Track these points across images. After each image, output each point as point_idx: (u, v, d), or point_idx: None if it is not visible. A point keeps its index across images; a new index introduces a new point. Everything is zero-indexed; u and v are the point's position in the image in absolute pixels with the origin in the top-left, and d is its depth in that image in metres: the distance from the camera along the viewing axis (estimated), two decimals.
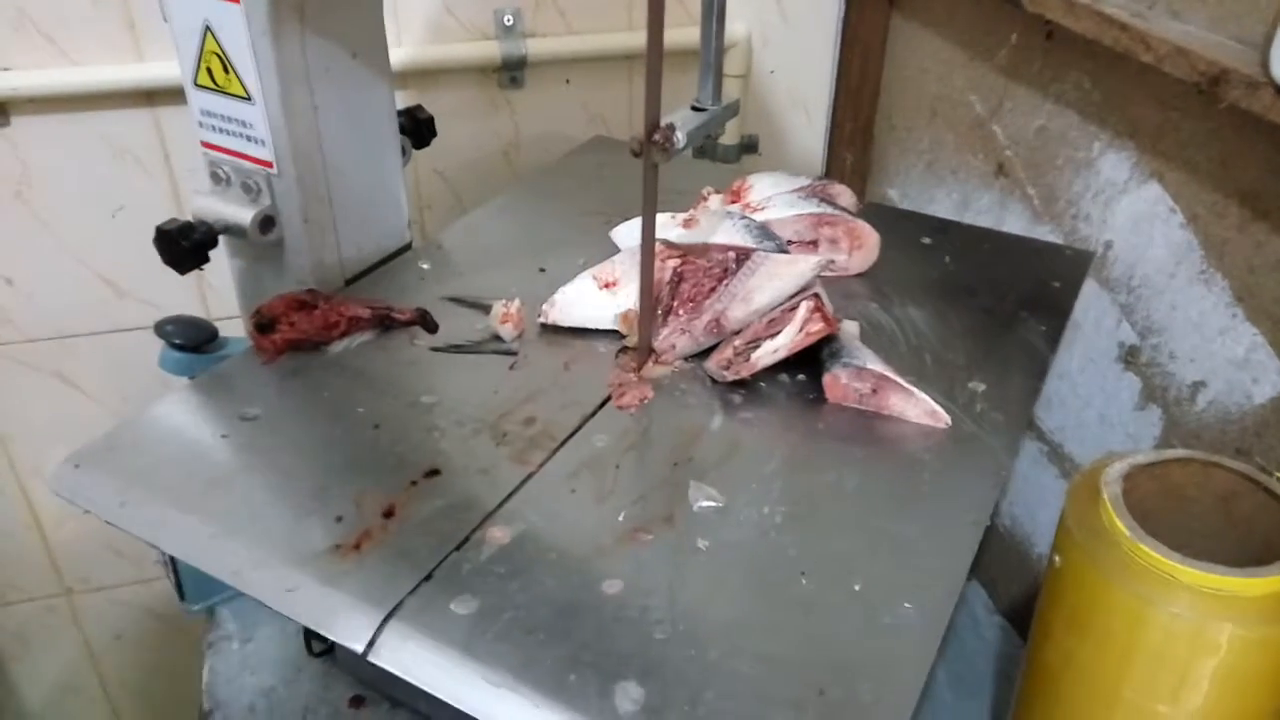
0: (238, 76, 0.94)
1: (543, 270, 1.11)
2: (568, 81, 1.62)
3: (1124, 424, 1.32)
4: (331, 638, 0.70)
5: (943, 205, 1.61)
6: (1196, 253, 1.15)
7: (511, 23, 1.54)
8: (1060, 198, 1.36)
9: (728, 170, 1.64)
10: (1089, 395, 1.36)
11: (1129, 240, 1.25)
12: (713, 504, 0.80)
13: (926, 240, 1.21)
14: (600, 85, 1.63)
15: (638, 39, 1.58)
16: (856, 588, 0.74)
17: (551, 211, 1.26)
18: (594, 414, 0.90)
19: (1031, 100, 1.38)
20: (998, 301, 1.09)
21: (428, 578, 0.73)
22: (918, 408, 0.90)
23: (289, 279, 1.04)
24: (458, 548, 0.76)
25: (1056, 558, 0.88)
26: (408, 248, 1.15)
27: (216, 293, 1.63)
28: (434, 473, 0.83)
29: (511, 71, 1.58)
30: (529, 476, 0.83)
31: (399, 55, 1.48)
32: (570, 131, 1.64)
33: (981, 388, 0.95)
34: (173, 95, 1.46)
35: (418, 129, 1.18)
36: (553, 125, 1.64)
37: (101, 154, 1.48)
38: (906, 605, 0.72)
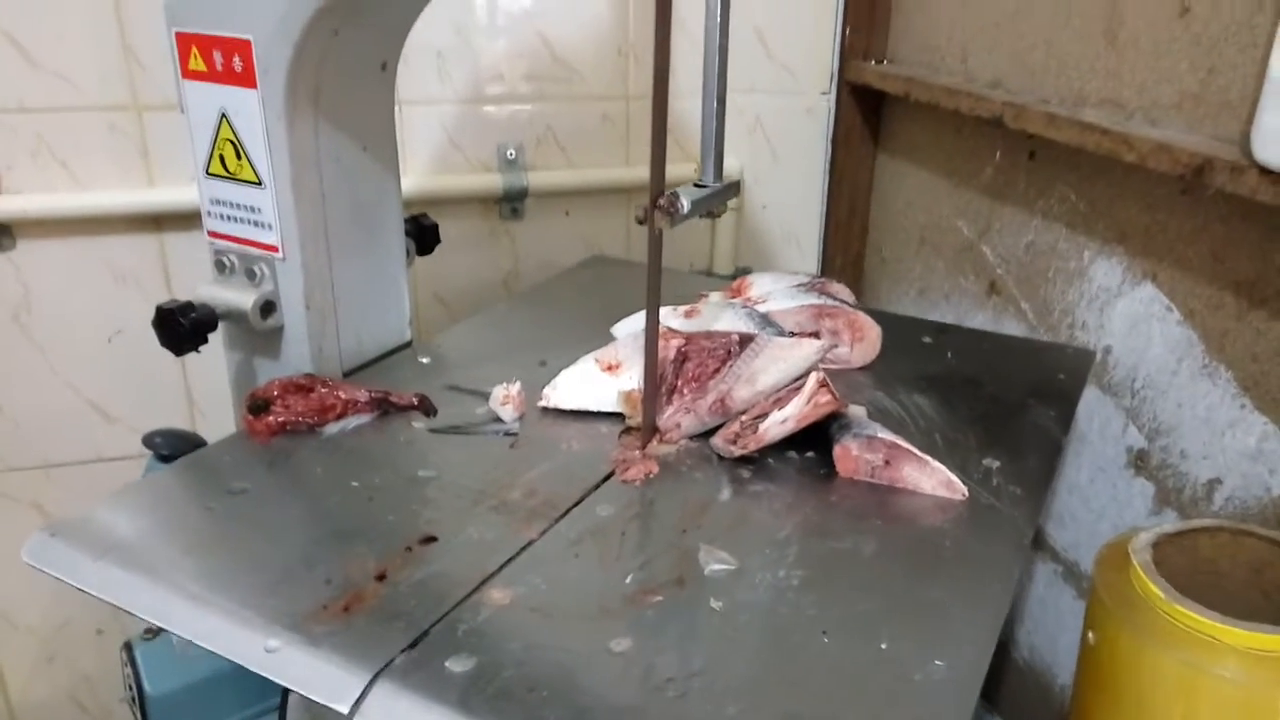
0: (249, 162, 0.96)
1: (543, 364, 1.10)
2: (567, 213, 1.67)
3: None
4: (314, 698, 0.64)
5: None
6: (1197, 347, 1.15)
7: (514, 156, 1.60)
8: (1055, 308, 1.37)
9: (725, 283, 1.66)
10: (1101, 507, 1.32)
11: (1128, 343, 1.25)
12: (725, 567, 0.76)
13: (927, 339, 1.21)
14: (598, 217, 1.67)
15: (635, 173, 1.64)
16: (883, 646, 0.68)
17: (551, 317, 1.26)
18: (597, 487, 0.87)
19: (1019, 218, 1.42)
20: (1004, 390, 1.08)
21: (423, 636, 0.68)
22: (933, 478, 0.87)
23: (287, 369, 1.02)
24: (454, 608, 0.71)
25: (1090, 634, 0.83)
26: (408, 345, 1.15)
27: (207, 419, 1.60)
28: (430, 539, 0.78)
29: (513, 203, 1.62)
30: (530, 543, 0.79)
31: (405, 184, 1.52)
32: (568, 261, 1.66)
33: (996, 464, 0.92)
34: (181, 220, 1.49)
35: (422, 234, 1.20)
36: (551, 255, 1.67)
37: (103, 278, 1.50)
38: (938, 662, 0.67)
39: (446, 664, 0.65)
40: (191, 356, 1.30)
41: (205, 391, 1.59)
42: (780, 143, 1.76)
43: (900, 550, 0.80)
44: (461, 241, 1.62)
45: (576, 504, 0.84)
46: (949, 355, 1.16)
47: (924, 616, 0.72)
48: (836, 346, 1.08)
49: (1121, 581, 0.81)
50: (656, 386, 0.95)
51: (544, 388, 1.00)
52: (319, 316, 1.02)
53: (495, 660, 0.66)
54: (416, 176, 1.56)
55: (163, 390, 1.56)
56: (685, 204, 0.85)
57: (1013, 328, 1.45)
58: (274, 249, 0.98)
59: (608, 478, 0.89)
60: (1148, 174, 1.18)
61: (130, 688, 1.22)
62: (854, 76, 1.70)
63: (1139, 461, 1.26)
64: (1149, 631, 0.76)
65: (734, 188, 0.95)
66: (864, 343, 1.11)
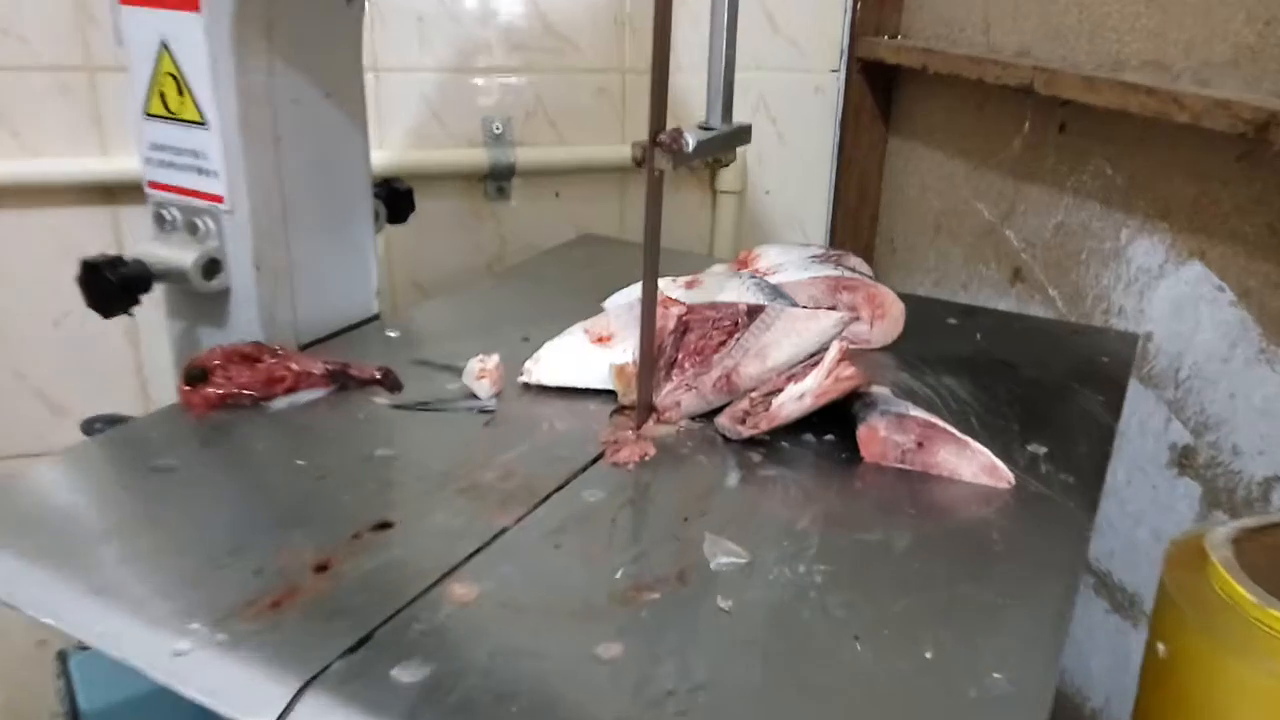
0: (193, 99, 0.84)
1: (526, 339, 0.97)
2: (557, 194, 1.55)
3: None
4: (225, 713, 0.51)
5: None
6: (1254, 330, 1.03)
7: (500, 131, 1.48)
8: (1087, 294, 1.26)
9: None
10: (1139, 511, 1.20)
11: (1172, 328, 1.14)
12: (735, 560, 0.64)
13: (952, 321, 1.09)
14: (591, 198, 1.56)
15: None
16: (927, 655, 0.56)
17: (537, 293, 1.14)
18: (584, 470, 0.75)
19: (1047, 197, 1.31)
20: (1042, 373, 0.96)
21: (367, 638, 0.55)
22: (974, 463, 0.75)
23: (235, 338, 0.90)
24: (408, 605, 0.58)
25: (1160, 645, 0.71)
26: (375, 319, 1.03)
27: None
28: (384, 525, 0.66)
29: (498, 181, 1.51)
30: (503, 531, 0.66)
31: (381, 158, 1.41)
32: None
33: (1043, 450, 0.80)
34: (137, 192, 1.35)
35: (395, 200, 1.08)
36: (540, 238, 1.55)
37: (51, 254, 1.37)
38: (996, 675, 0.55)
39: (393, 672, 0.53)
40: (147, 340, 1.17)
41: (162, 380, 1.46)
42: (786, 123, 1.64)
43: (940, 544, 0.68)
44: (442, 222, 1.50)
45: (559, 488, 0.72)
46: (978, 337, 1.04)
47: (974, 620, 0.60)
48: (857, 320, 0.96)
49: (1197, 583, 0.69)
50: (654, 359, 0.83)
51: (525, 361, 0.88)
52: (271, 279, 0.90)
53: (454, 668, 0.53)
54: (394, 150, 1.44)
55: (115, 378, 1.44)
56: (690, 141, 0.73)
57: (1039, 315, 1.33)
58: (219, 199, 0.86)
59: (596, 460, 0.76)
60: (1198, 139, 1.07)
61: (64, 702, 1.09)
62: (865, 53, 1.59)
63: (1184, 459, 1.14)
64: (1233, 641, 0.64)
65: (745, 132, 0.84)
66: (886, 320, 0.99)
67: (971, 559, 0.66)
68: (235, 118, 0.84)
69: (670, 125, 0.75)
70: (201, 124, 0.84)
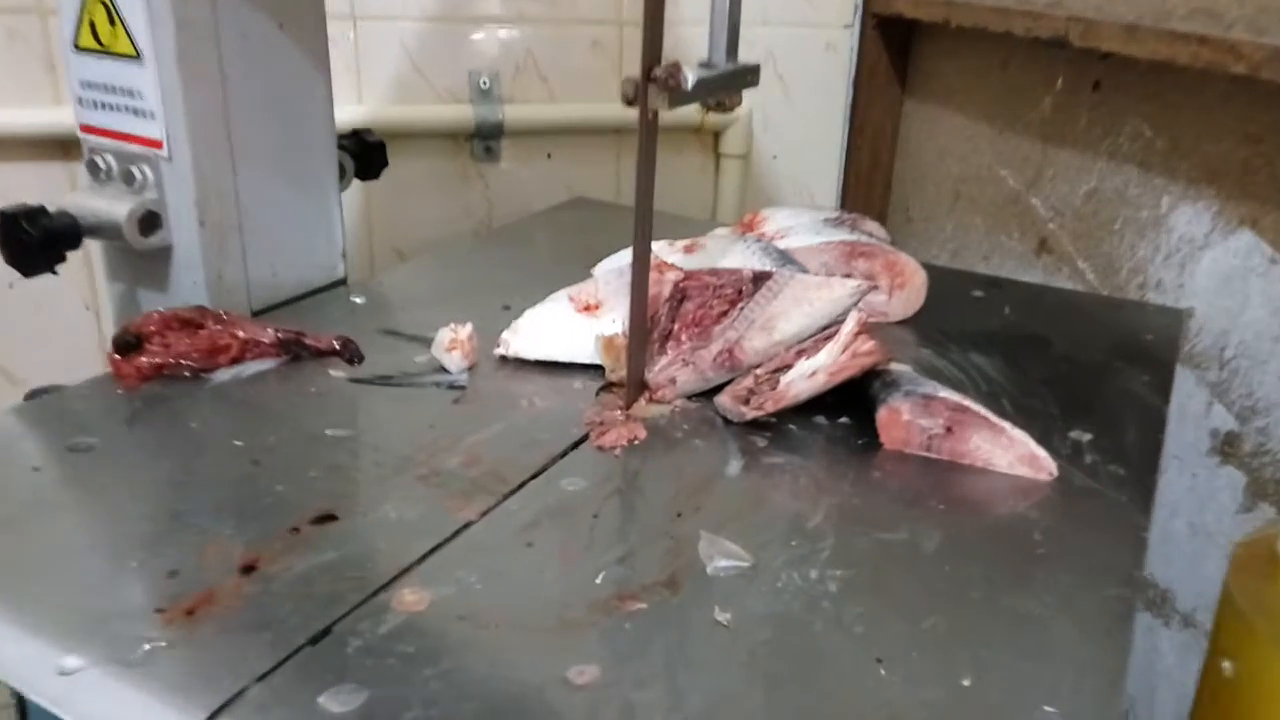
0: (125, 29, 0.74)
1: (507, 308, 0.88)
2: (549, 155, 1.45)
3: (1225, 532, 1.07)
4: None
5: None
6: None
7: (488, 86, 1.38)
8: (1122, 266, 1.16)
9: None
10: (1175, 501, 1.11)
11: (1217, 304, 1.04)
12: (736, 564, 0.54)
13: (977, 293, 0.99)
14: (585, 160, 1.45)
15: (628, 111, 1.42)
16: (965, 683, 0.47)
17: (521, 258, 1.05)
18: (564, 455, 0.65)
19: (1078, 162, 1.21)
20: (1080, 351, 0.86)
21: (294, 654, 0.46)
22: (1011, 451, 0.65)
23: (178, 302, 0.81)
24: (346, 615, 0.49)
25: (1225, 663, 0.61)
26: (340, 284, 0.93)
27: None
28: (327, 518, 0.57)
29: (486, 140, 1.40)
30: (467, 525, 0.57)
31: (359, 113, 1.31)
32: None
33: (1087, 437, 0.71)
34: None
35: (365, 153, 0.99)
36: (530, 202, 1.45)
37: None
38: (1048, 709, 0.45)
39: (321, 700, 0.44)
40: (109, 307, 1.07)
41: None
42: (795, 82, 1.54)
43: (975, 545, 0.58)
44: (426, 184, 1.40)
45: (534, 476, 0.62)
46: (1006, 310, 0.95)
47: (1018, 639, 0.50)
48: (875, 289, 0.86)
49: (1269, 592, 0.60)
50: (647, 330, 0.73)
51: (504, 331, 0.78)
52: (217, 237, 0.80)
53: (395, 695, 0.44)
54: (373, 104, 1.34)
55: (74, 347, 1.34)
56: (689, 77, 0.63)
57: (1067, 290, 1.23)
58: (157, 144, 0.76)
59: (579, 444, 0.67)
60: (1252, 95, 0.97)
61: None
62: (881, 7, 1.48)
63: (1227, 447, 1.04)
64: None
65: (752, 73, 0.74)
66: (906, 290, 0.89)
67: (1012, 563, 0.56)
68: (173, 51, 0.74)
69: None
70: (135, 58, 0.74)
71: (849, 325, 0.69)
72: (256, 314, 0.85)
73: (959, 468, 0.66)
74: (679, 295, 0.76)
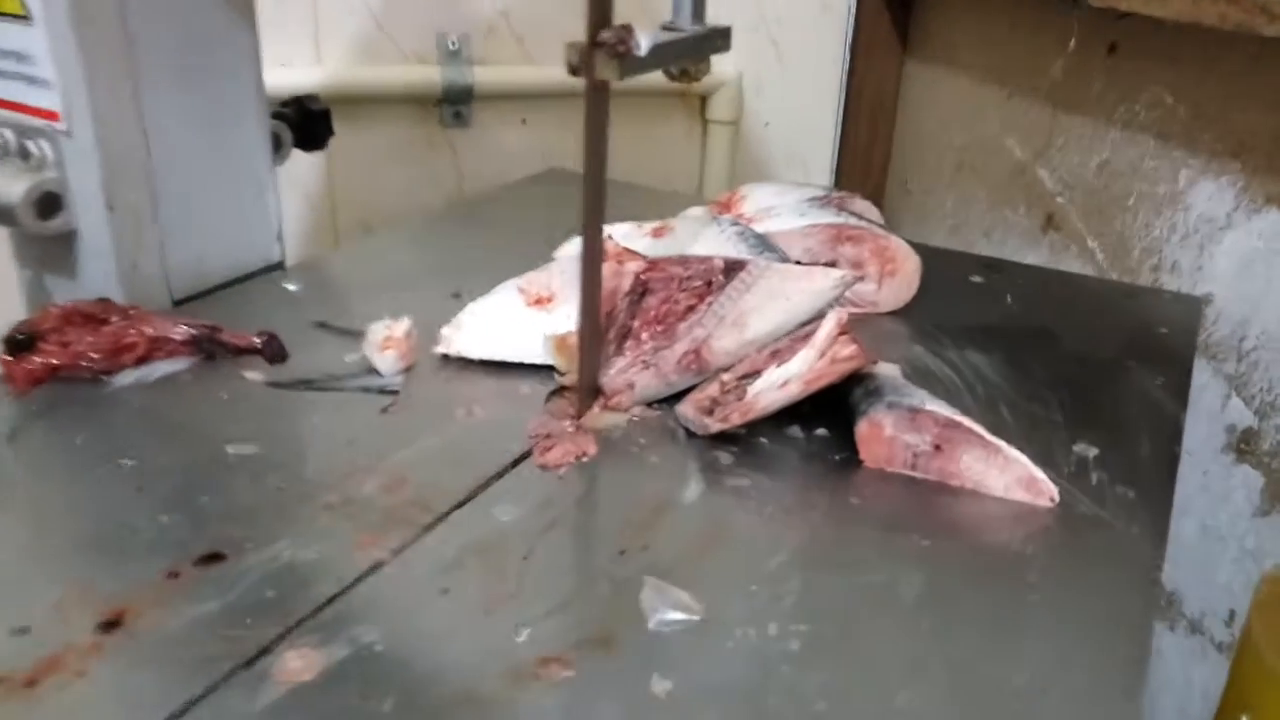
0: None
1: (457, 295, 0.80)
2: (524, 121, 1.36)
3: (1238, 536, 0.99)
4: None
5: None
6: None
7: (456, 47, 1.28)
8: (1134, 246, 1.07)
9: None
10: (1185, 500, 1.03)
11: (1237, 289, 0.95)
12: (683, 617, 0.47)
13: (976, 279, 0.91)
14: (562, 126, 1.36)
15: None
16: None
17: (481, 237, 0.96)
18: (500, 475, 0.58)
19: (1090, 131, 1.12)
20: (1089, 347, 0.78)
21: None
22: (1007, 473, 0.57)
23: (89, 292, 0.73)
24: (213, 689, 0.42)
25: (1244, 718, 0.54)
26: (277, 268, 0.85)
27: None
28: (213, 557, 0.49)
29: (455, 105, 1.31)
30: (375, 567, 0.49)
31: (317, 75, 1.22)
32: None
33: (1093, 452, 0.63)
34: None
35: (307, 123, 0.90)
36: (504, 171, 1.36)
37: None
38: None
39: None
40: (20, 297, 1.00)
41: None
42: (789, 45, 1.44)
43: (961, 591, 0.51)
44: (391, 153, 1.31)
45: (463, 503, 0.55)
46: (1008, 299, 0.86)
47: (1006, 711, 0.43)
48: (862, 279, 0.78)
49: None
50: (599, 329, 0.65)
51: (445, 326, 0.70)
52: (130, 220, 0.72)
53: None
54: (332, 66, 1.25)
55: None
56: (642, 43, 0.54)
57: (1075, 270, 1.15)
58: (53, 116, 0.68)
59: (519, 461, 0.59)
60: None
61: None
62: None
63: (1243, 444, 0.96)
64: None
65: (720, 36, 0.65)
66: (897, 278, 0.81)
67: (1002, 617, 0.49)
68: (65, 9, 0.65)
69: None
70: (23, 17, 0.66)
71: (827, 326, 0.61)
72: (179, 304, 0.77)
73: (948, 490, 0.59)
74: (640, 289, 0.68)
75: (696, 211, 0.85)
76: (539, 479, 0.58)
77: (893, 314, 0.82)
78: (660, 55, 0.58)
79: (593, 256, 0.61)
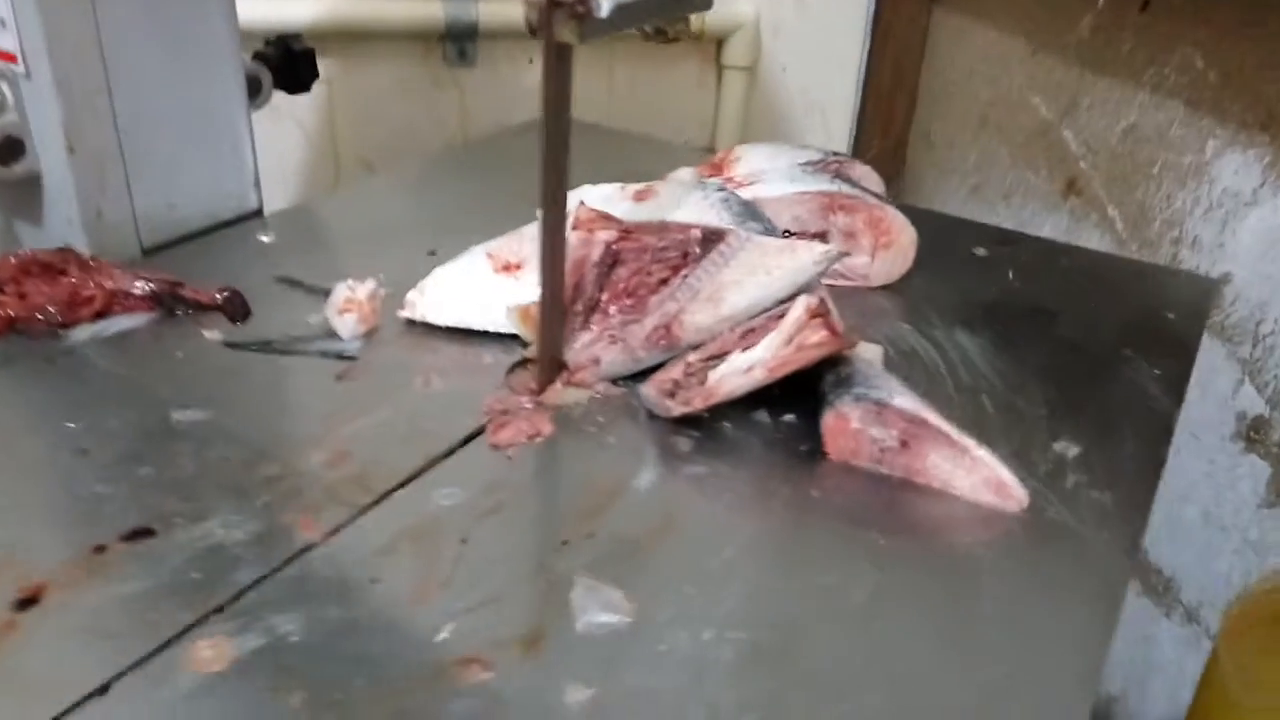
0: None
1: (433, 253, 0.77)
2: (531, 61, 1.31)
3: (1241, 526, 0.96)
4: None
5: None
6: None
7: None
8: (1155, 217, 1.02)
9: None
10: (1189, 487, 1.00)
11: (1258, 270, 0.91)
12: (613, 619, 0.45)
13: (980, 251, 0.87)
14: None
15: None
16: None
17: (470, 189, 0.93)
18: (448, 454, 0.56)
19: (1118, 93, 1.06)
20: (1088, 332, 0.75)
21: None
22: (974, 474, 0.55)
23: (53, 240, 0.71)
24: (121, 674, 0.41)
25: None
26: (254, 215, 0.83)
27: None
28: (143, 533, 0.48)
29: (459, 42, 1.27)
30: (306, 549, 0.48)
31: (312, 10, 1.18)
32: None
33: (1074, 451, 0.60)
34: None
35: (289, 65, 0.87)
36: (512, 112, 1.32)
37: None
38: None
39: None
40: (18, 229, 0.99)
41: None
42: None
43: (913, 599, 0.49)
44: (394, 91, 1.28)
45: (405, 483, 0.53)
46: (1010, 275, 0.82)
47: None
48: (848, 256, 0.75)
49: (1270, 671, 0.50)
50: (563, 300, 0.62)
51: (411, 291, 0.68)
52: (94, 165, 0.70)
53: None
54: (328, 2, 1.21)
55: None
56: (604, 2, 0.51)
57: (1094, 239, 1.10)
58: (11, 58, 0.66)
59: (471, 439, 0.58)
60: None
61: None
62: None
63: (1253, 433, 0.93)
64: None
65: None
66: (891, 250, 0.78)
67: (952, 628, 0.47)
68: None
69: None
70: None
71: (796, 311, 0.58)
72: (149, 253, 0.76)
73: (913, 488, 0.56)
74: (610, 259, 0.66)
75: (685, 174, 0.81)
76: (489, 459, 0.56)
77: (885, 288, 0.79)
78: (628, 14, 0.54)
79: (555, 227, 0.58)
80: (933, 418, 0.55)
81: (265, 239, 0.79)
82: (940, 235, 0.86)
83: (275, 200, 1.19)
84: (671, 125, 1.37)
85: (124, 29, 0.69)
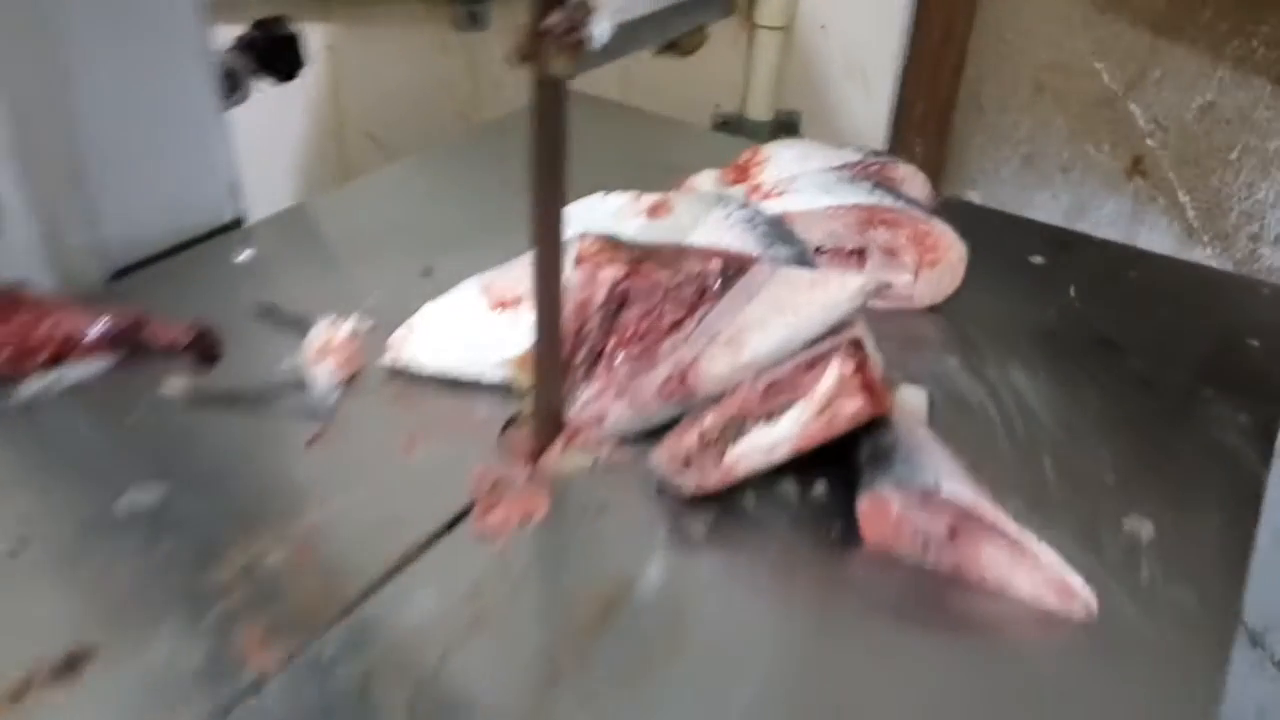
0: None
1: (428, 272, 0.70)
2: None
3: None
4: None
5: (1045, 214, 1.17)
6: None
7: None
8: (1232, 208, 0.92)
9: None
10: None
11: None
12: None
13: (1037, 259, 0.78)
14: None
15: None
16: None
17: (479, 183, 0.85)
18: (429, 545, 0.49)
19: (1193, 66, 0.95)
20: (1160, 365, 0.66)
21: None
22: (1035, 575, 0.47)
23: (10, 269, 0.65)
24: None
25: None
26: (233, 226, 0.76)
27: None
28: (71, 665, 0.42)
29: (470, 5, 1.17)
30: (252, 689, 0.42)
31: None
32: None
33: (1147, 530, 0.52)
34: None
35: (272, 52, 0.79)
36: (526, 83, 1.23)
37: None
38: None
39: None
40: None
41: None
42: None
43: None
44: (401, 57, 1.19)
45: (375, 588, 0.47)
46: (1071, 293, 0.74)
47: None
48: (889, 285, 0.66)
49: None
50: (561, 351, 0.55)
51: (396, 331, 0.61)
52: (50, 180, 0.63)
53: None
54: None
55: None
56: (604, 29, 0.42)
57: (1160, 227, 1.00)
58: None
59: (457, 522, 0.51)
60: None
61: None
62: None
63: None
64: None
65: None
66: (937, 269, 0.69)
67: None
68: None
69: None
70: None
71: (829, 378, 0.50)
72: (116, 277, 0.69)
73: (963, 584, 0.49)
74: (618, 300, 0.58)
75: (706, 180, 0.73)
76: (474, 551, 0.49)
77: (931, 309, 0.70)
78: (632, 36, 0.46)
79: (549, 281, 0.50)
80: (987, 509, 0.47)
81: (243, 257, 0.72)
82: (992, 239, 0.77)
83: (277, 183, 1.12)
84: (698, 91, 1.27)
85: (80, 25, 0.61)
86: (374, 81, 1.20)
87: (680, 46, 0.54)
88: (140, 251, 0.70)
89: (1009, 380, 0.63)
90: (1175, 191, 0.98)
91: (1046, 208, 1.16)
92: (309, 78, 1.18)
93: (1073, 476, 0.56)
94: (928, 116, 1.35)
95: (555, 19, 0.42)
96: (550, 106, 0.45)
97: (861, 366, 0.52)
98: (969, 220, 0.73)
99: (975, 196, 1.32)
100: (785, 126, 1.32)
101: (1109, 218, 1.07)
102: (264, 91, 0.83)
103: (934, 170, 1.38)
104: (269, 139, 1.16)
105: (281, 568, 0.47)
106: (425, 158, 0.94)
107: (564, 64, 0.43)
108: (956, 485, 0.48)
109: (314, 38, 1.16)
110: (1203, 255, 0.95)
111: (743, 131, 1.29)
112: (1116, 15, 1.04)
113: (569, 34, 0.42)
